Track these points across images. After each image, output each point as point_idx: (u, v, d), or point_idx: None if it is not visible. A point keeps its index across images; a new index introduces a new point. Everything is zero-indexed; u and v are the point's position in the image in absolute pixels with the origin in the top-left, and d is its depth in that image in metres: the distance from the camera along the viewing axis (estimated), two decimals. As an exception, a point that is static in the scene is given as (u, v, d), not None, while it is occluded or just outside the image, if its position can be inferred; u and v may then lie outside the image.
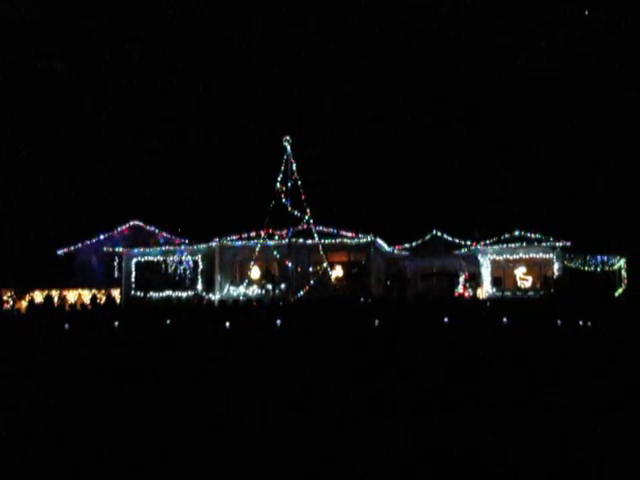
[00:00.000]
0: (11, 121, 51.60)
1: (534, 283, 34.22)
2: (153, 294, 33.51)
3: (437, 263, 36.48)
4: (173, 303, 31.31)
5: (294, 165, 33.11)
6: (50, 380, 10.79)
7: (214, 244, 33.41)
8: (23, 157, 50.24)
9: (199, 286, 33.56)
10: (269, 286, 32.18)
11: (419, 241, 37.33)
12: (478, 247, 34.92)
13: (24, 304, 32.75)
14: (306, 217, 32.60)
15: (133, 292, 34.04)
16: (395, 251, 36.43)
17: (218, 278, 33.35)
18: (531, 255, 34.33)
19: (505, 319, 17.90)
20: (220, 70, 62.37)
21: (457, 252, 35.76)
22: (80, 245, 39.11)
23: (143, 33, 58.74)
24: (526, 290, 33.96)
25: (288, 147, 33.24)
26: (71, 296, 34.47)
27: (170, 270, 34.05)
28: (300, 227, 32.63)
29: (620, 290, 33.52)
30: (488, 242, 34.97)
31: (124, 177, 52.07)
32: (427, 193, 51.35)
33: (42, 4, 52.18)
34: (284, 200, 32.58)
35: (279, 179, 32.80)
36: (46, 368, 12.09)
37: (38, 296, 33.49)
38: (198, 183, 51.65)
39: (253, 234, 33.12)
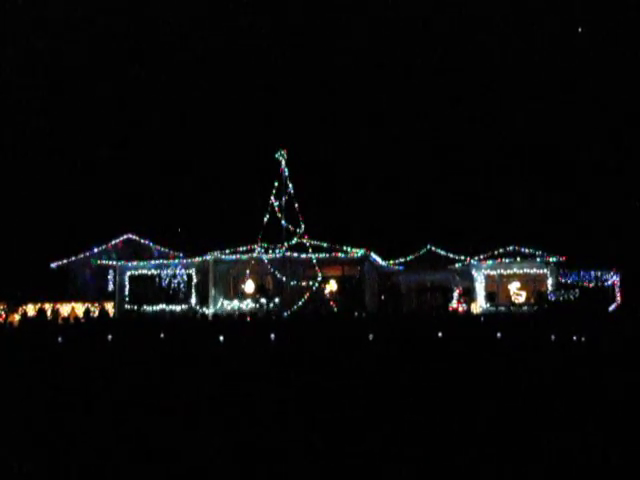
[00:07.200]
0: (7, 130, 51.66)
1: (528, 298, 34.30)
2: (147, 308, 33.42)
3: (431, 278, 36.50)
4: (166, 317, 31.25)
5: (288, 179, 33.17)
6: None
7: (208, 258, 33.35)
8: (16, 169, 50.16)
9: (193, 300, 33.49)
10: (263, 300, 32.11)
11: (413, 256, 37.37)
12: (472, 262, 35.00)
13: (17, 317, 32.59)
14: (300, 231, 32.60)
15: (127, 306, 33.94)
16: (389, 265, 36.43)
17: (212, 292, 33.26)
18: (525, 270, 34.44)
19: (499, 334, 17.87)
20: (215, 83, 62.56)
21: (451, 267, 35.81)
22: (74, 258, 38.98)
23: (136, 46, 58.95)
24: (520, 305, 34.03)
25: (283, 161, 33.31)
26: (64, 309, 34.33)
27: (164, 284, 33.95)
28: (294, 241, 32.61)
29: (614, 305, 33.59)
30: (482, 257, 35.07)
31: (119, 190, 52.02)
32: (422, 208, 51.44)
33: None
34: (278, 214, 32.60)
35: (273, 193, 32.84)
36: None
37: (31, 309, 33.33)
38: (193, 197, 51.65)
39: (247, 248, 33.08)
